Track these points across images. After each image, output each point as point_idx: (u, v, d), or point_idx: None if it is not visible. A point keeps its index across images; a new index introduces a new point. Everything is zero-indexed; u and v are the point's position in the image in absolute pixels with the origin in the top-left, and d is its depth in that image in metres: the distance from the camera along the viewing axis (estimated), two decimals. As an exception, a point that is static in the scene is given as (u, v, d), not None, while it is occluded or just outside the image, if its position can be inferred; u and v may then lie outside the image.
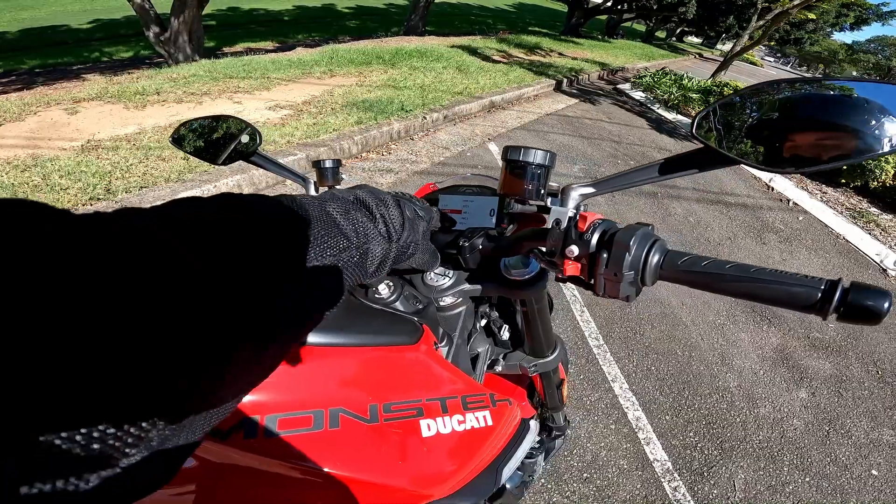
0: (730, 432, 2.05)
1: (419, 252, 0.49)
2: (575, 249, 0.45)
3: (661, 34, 31.11)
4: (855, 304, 0.33)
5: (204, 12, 7.72)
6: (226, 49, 10.29)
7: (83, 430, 0.17)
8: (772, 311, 2.89)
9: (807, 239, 4.04)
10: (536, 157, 0.55)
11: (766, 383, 2.36)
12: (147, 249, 0.21)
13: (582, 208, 0.55)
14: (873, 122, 0.38)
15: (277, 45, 11.44)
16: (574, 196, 0.53)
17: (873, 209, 5.03)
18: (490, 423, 0.60)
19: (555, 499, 1.66)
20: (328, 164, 0.87)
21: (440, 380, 0.59)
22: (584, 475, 1.76)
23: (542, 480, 1.71)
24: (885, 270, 3.72)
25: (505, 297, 0.75)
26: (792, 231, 4.14)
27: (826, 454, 2.03)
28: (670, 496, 1.75)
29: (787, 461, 1.97)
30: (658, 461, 1.86)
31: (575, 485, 1.72)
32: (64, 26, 13.17)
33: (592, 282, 0.46)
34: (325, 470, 0.44)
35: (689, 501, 1.74)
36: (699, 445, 1.96)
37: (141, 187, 2.83)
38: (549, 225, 0.52)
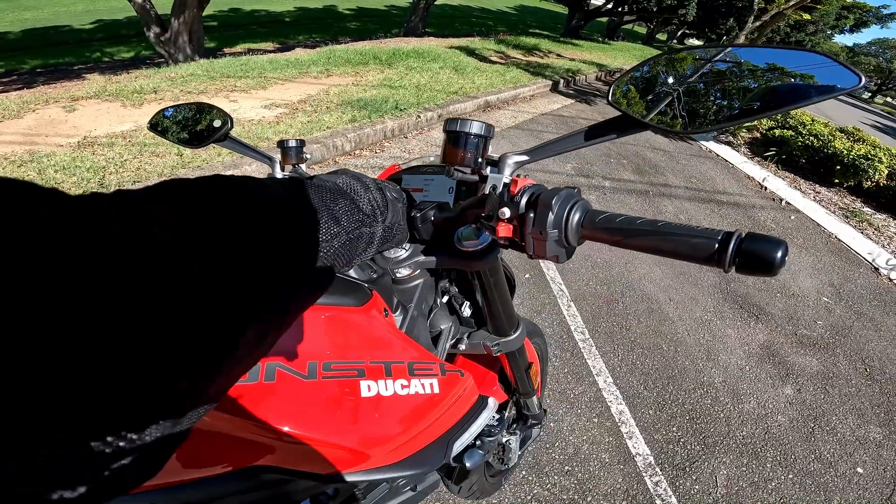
0: (713, 428, 2.05)
1: (400, 232, 0.51)
2: (507, 211, 0.48)
3: (661, 36, 31.12)
4: (749, 252, 0.35)
5: (205, 13, 7.77)
6: (226, 50, 10.33)
7: (84, 433, 0.17)
8: (759, 306, 2.90)
9: (798, 238, 4.05)
10: (472, 127, 0.59)
11: (752, 379, 2.37)
12: (146, 244, 0.21)
13: (516, 175, 0.57)
14: (755, 86, 0.41)
15: (278, 45, 11.49)
16: (509, 163, 0.56)
17: (866, 209, 5.04)
18: (437, 391, 0.62)
19: (535, 491, 1.67)
20: (292, 143, 0.91)
21: (386, 344, 0.60)
22: (566, 468, 1.77)
23: (523, 472, 1.72)
24: (877, 269, 3.73)
25: (460, 269, 0.78)
26: (784, 230, 4.15)
27: (811, 451, 2.03)
28: (651, 491, 1.75)
29: (770, 458, 1.97)
30: (640, 455, 1.87)
31: (556, 477, 1.73)
32: (66, 26, 13.23)
33: (523, 244, 0.48)
34: (260, 422, 0.45)
35: (670, 496, 1.75)
36: (682, 440, 1.97)
37: (134, 182, 2.86)
38: (487, 191, 0.55)
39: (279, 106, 4.59)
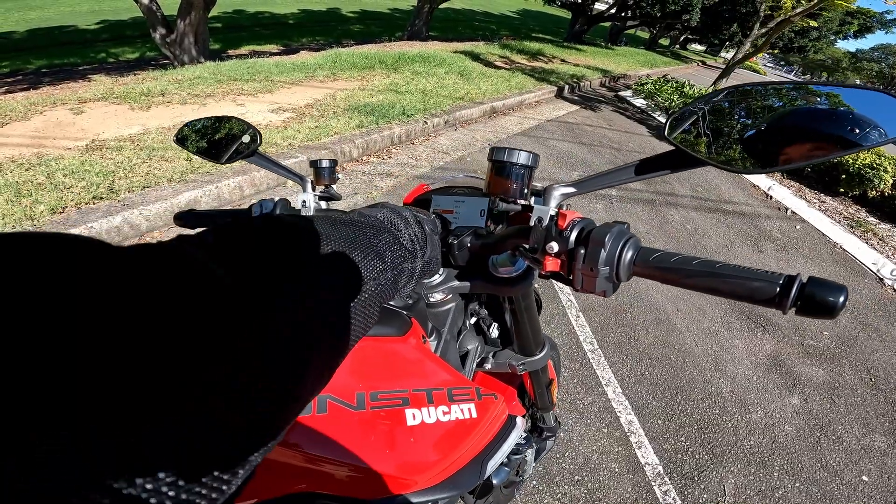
0: (721, 437, 2.06)
1: (437, 265, 0.51)
2: (555, 246, 0.48)
3: (664, 42, 31.19)
4: (812, 298, 0.35)
5: (210, 15, 7.78)
6: (231, 51, 10.34)
7: (84, 430, 0.17)
8: (766, 318, 2.91)
9: (804, 247, 4.06)
10: (520, 157, 0.58)
11: (759, 389, 2.37)
12: (210, 300, 0.22)
13: (564, 207, 0.56)
14: (826, 126, 0.41)
15: (282, 48, 11.51)
16: (555, 195, 0.54)
17: (871, 218, 5.05)
18: (475, 415, 0.63)
19: (546, 500, 1.68)
20: (325, 163, 0.90)
21: (427, 371, 0.61)
22: (576, 478, 1.77)
23: (534, 482, 1.73)
24: (881, 280, 3.74)
25: (493, 294, 0.78)
26: (789, 239, 4.16)
27: (817, 460, 2.05)
28: (660, 500, 1.76)
29: (777, 466, 1.98)
30: (649, 465, 1.88)
31: (566, 487, 1.73)
32: (71, 27, 13.26)
33: (571, 277, 0.48)
34: (312, 453, 0.46)
35: (678, 505, 1.76)
36: (690, 450, 1.98)
37: (144, 187, 2.86)
38: (532, 223, 0.55)
39: (286, 110, 4.60)
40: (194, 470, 0.20)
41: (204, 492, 0.20)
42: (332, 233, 0.34)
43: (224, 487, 0.21)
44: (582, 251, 0.46)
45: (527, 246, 0.54)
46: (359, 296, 0.34)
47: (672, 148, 0.49)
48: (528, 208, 0.57)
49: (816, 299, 0.35)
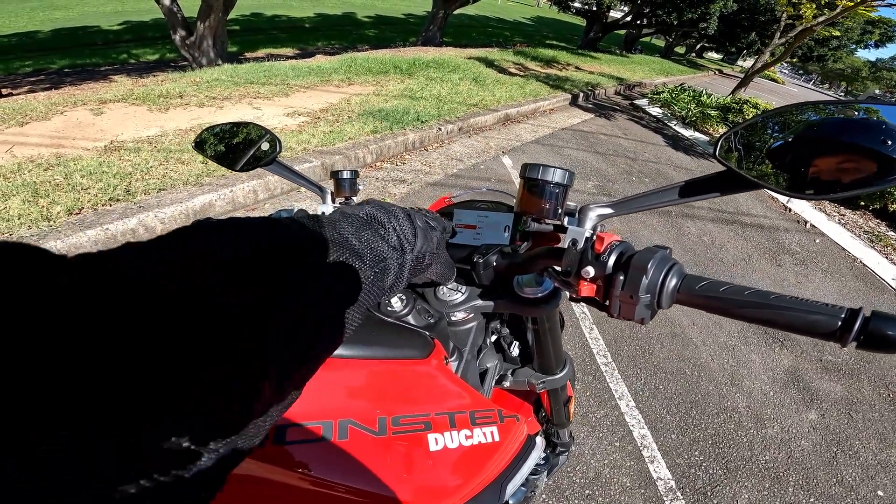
0: (736, 452, 2.03)
1: (436, 263, 0.48)
2: (591, 270, 0.46)
3: (679, 50, 31.00)
4: (875, 332, 0.33)
5: (228, 17, 7.88)
6: (248, 54, 10.46)
7: (84, 430, 0.17)
8: (784, 333, 2.86)
9: (823, 262, 3.98)
10: (555, 175, 0.54)
11: (776, 404, 2.33)
12: (166, 301, 0.22)
13: (599, 228, 0.54)
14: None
15: (297, 51, 11.63)
16: (591, 216, 0.52)
17: (891, 233, 4.94)
18: (497, 438, 0.61)
19: (556, 515, 1.66)
20: (346, 174, 0.88)
21: (449, 394, 0.59)
22: (587, 492, 1.75)
23: (544, 496, 1.71)
24: (902, 296, 3.66)
25: (517, 313, 0.76)
26: (808, 254, 4.09)
27: (832, 475, 2.02)
28: (672, 516, 1.73)
29: (792, 482, 1.95)
30: (661, 480, 1.85)
31: (577, 501, 1.71)
32: (95, 27, 13.51)
33: (607, 303, 0.46)
34: (333, 481, 0.45)
35: (691, 521, 1.73)
36: (704, 465, 1.94)
37: (160, 190, 2.89)
38: (564, 244, 0.52)
39: (301, 114, 4.64)
40: (192, 469, 0.20)
41: (197, 491, 0.21)
42: (309, 235, 0.33)
43: (216, 485, 0.22)
44: (621, 277, 0.43)
45: (558, 268, 0.51)
46: (336, 298, 0.33)
47: (722, 169, 0.46)
48: (560, 228, 0.55)
49: (880, 334, 0.33)
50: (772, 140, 0.43)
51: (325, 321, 0.31)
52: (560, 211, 0.55)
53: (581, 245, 0.49)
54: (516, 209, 0.58)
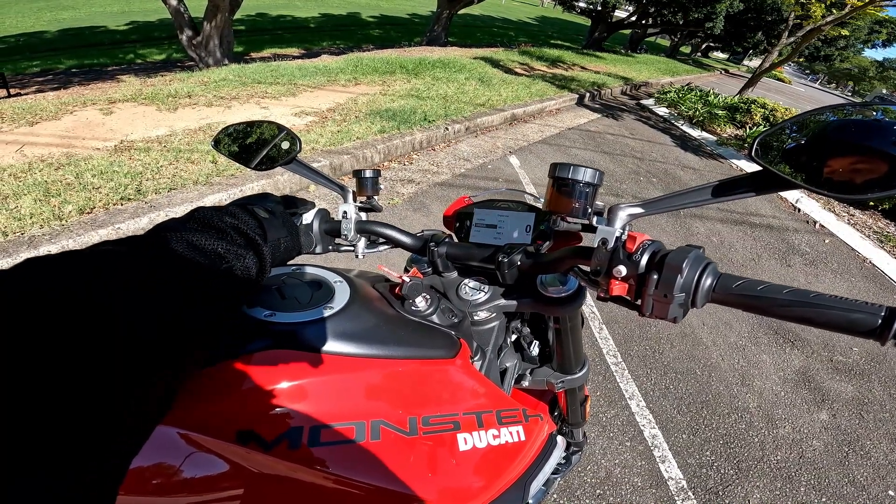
0: (747, 452, 2.02)
1: (289, 242, 0.55)
2: (623, 269, 0.46)
3: (685, 49, 30.88)
4: None
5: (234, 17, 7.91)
6: (253, 54, 10.50)
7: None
8: (795, 333, 2.84)
9: (832, 262, 3.96)
10: (586, 175, 0.54)
11: (787, 404, 2.32)
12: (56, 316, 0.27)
13: (628, 228, 0.53)
14: None
15: (303, 51, 11.66)
16: (621, 216, 0.51)
17: (901, 233, 4.91)
18: (522, 437, 0.61)
19: (567, 515, 1.66)
20: (368, 173, 0.87)
21: (476, 394, 0.59)
22: (598, 492, 1.74)
23: (555, 496, 1.70)
24: (913, 297, 3.63)
25: (539, 313, 0.76)
26: (818, 254, 4.06)
27: (844, 475, 2.01)
28: (684, 516, 1.73)
29: (804, 481, 1.94)
30: (673, 479, 1.84)
31: (588, 501, 1.71)
32: (102, 27, 13.59)
33: (639, 302, 0.46)
34: (367, 482, 0.45)
35: (702, 521, 1.72)
36: (715, 464, 1.94)
37: (170, 189, 2.90)
38: (592, 244, 0.52)
39: (308, 114, 4.65)
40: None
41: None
42: (126, 265, 0.35)
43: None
44: (655, 276, 0.44)
45: (585, 268, 0.52)
46: (184, 313, 0.35)
47: (758, 169, 0.45)
48: (587, 228, 0.55)
49: None
50: (810, 141, 0.43)
51: (183, 336, 0.35)
52: (589, 210, 0.54)
53: (612, 244, 0.49)
54: (545, 208, 0.58)
